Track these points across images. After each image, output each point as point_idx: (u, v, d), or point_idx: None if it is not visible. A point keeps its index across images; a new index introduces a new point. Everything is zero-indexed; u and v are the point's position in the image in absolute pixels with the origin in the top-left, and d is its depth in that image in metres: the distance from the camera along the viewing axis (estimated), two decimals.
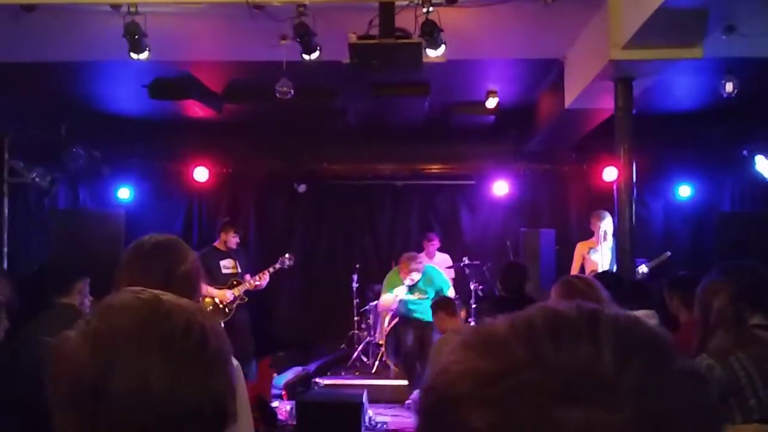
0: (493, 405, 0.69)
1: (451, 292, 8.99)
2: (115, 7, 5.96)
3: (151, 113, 10.17)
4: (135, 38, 6.00)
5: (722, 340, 3.34)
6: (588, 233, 9.43)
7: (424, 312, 8.68)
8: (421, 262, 8.95)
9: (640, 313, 4.85)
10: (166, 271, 2.45)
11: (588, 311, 0.74)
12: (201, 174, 11.48)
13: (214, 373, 1.19)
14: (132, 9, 5.95)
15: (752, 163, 9.81)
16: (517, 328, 0.74)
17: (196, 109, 9.86)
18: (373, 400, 8.61)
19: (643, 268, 8.66)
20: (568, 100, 7.88)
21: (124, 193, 11.45)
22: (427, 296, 8.80)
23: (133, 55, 6.17)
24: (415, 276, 8.76)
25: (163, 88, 8.62)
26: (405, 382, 8.95)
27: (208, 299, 8.71)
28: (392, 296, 8.84)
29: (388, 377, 9.55)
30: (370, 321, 10.51)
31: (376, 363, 10.10)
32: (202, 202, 12.12)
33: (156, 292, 1.27)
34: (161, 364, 1.14)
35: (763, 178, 9.69)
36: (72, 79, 8.80)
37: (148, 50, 6.20)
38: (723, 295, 3.45)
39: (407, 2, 6.00)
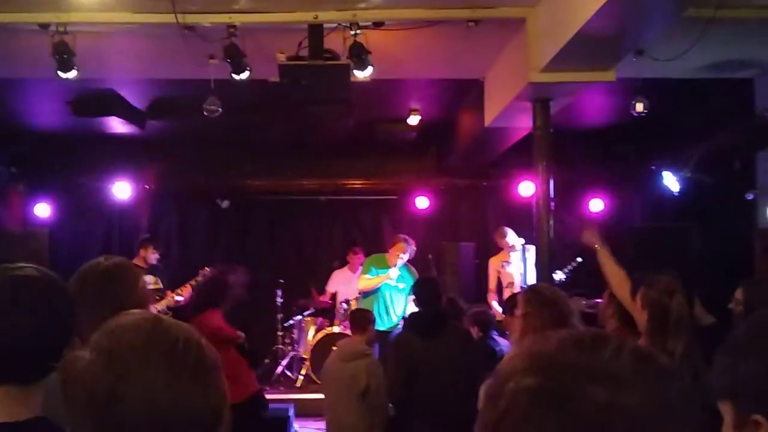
0: (542, 373, 0.94)
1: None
2: (43, 26, 5.95)
3: (71, 129, 10.08)
4: (64, 57, 6.01)
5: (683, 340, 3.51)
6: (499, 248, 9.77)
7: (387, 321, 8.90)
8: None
9: None
10: (119, 298, 2.44)
11: (620, 336, 1.02)
12: (121, 190, 11.36)
13: (211, 384, 1.31)
14: (60, 28, 5.95)
15: (660, 178, 10.27)
16: (571, 335, 1.00)
17: (117, 125, 9.82)
18: (298, 415, 8.71)
19: (559, 275, 8.96)
20: (488, 119, 8.14)
21: (43, 211, 11.26)
22: (405, 286, 8.96)
23: (61, 74, 6.16)
24: (403, 258, 8.91)
25: (86, 104, 8.56)
26: None
27: None
28: (383, 276, 8.92)
29: (313, 391, 9.63)
30: (295, 335, 10.60)
31: (300, 377, 10.20)
32: (122, 219, 11.96)
33: (157, 314, 1.41)
34: (167, 376, 1.26)
35: (671, 193, 10.14)
36: None
37: (76, 69, 6.20)
38: (679, 295, 3.63)
39: (336, 25, 6.18)
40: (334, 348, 9.53)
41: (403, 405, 5.79)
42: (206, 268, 9.22)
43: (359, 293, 10.15)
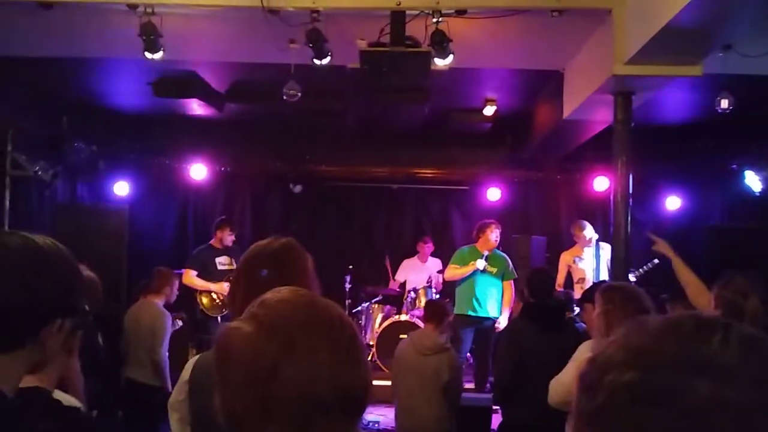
0: (643, 369, 0.90)
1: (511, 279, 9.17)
2: (132, 7, 6.07)
3: (149, 109, 10.26)
4: (151, 38, 6.12)
5: None
6: (573, 242, 9.65)
7: (485, 307, 8.94)
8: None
9: None
10: (285, 283, 2.39)
11: (724, 320, 0.95)
12: (198, 171, 11.58)
13: (361, 361, 1.36)
14: (148, 10, 6.07)
15: (742, 177, 10.02)
16: (669, 321, 0.95)
17: (196, 107, 9.98)
18: None
19: (634, 275, 8.89)
20: (567, 111, 8.03)
21: (121, 189, 11.53)
22: (496, 271, 9.00)
23: (148, 55, 6.28)
24: (496, 237, 9.03)
25: (167, 86, 8.69)
26: None
27: (205, 294, 8.74)
28: (469, 268, 8.99)
29: (378, 378, 9.66)
30: (362, 322, 10.65)
31: None
32: (197, 200, 12.21)
33: (310, 292, 1.46)
34: (328, 352, 1.30)
35: (752, 192, 9.90)
36: (77, 74, 8.88)
37: (163, 50, 6.32)
38: (754, 297, 3.53)
39: (418, 12, 6.16)
40: (403, 337, 9.77)
41: (510, 394, 5.74)
42: None
43: (430, 284, 10.20)
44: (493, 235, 9.01)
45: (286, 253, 2.52)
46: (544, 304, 5.85)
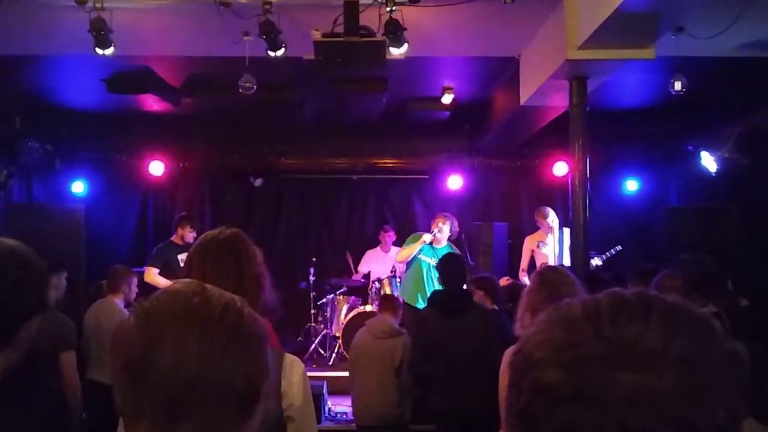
0: (563, 367, 0.87)
1: None
2: (81, 2, 5.98)
3: (104, 106, 10.12)
4: (101, 34, 6.04)
5: None
6: (536, 227, 9.72)
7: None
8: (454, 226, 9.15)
9: None
10: (239, 271, 2.41)
11: (644, 296, 0.93)
12: (156, 168, 11.46)
13: (247, 353, 1.30)
14: (98, 5, 5.98)
15: (697, 158, 10.13)
16: (586, 308, 0.92)
17: (151, 103, 9.87)
18: (331, 392, 8.75)
19: (596, 261, 8.98)
20: (524, 98, 8.07)
21: (78, 187, 11.38)
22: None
23: (99, 51, 6.20)
24: (444, 232, 8.94)
25: (121, 82, 8.60)
26: None
27: None
28: (416, 243, 8.98)
29: (346, 369, 9.65)
30: (327, 314, 10.62)
31: (333, 355, 10.23)
32: (156, 196, 12.09)
33: (202, 283, 1.39)
34: (198, 341, 1.25)
35: (708, 173, 10.01)
36: (28, 73, 8.74)
37: (114, 46, 6.24)
38: (675, 289, 3.63)
39: (371, 1, 6.13)
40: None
41: (422, 381, 5.84)
42: None
43: (394, 273, 10.17)
44: (441, 223, 8.99)
45: (237, 241, 2.53)
46: (448, 290, 5.89)
